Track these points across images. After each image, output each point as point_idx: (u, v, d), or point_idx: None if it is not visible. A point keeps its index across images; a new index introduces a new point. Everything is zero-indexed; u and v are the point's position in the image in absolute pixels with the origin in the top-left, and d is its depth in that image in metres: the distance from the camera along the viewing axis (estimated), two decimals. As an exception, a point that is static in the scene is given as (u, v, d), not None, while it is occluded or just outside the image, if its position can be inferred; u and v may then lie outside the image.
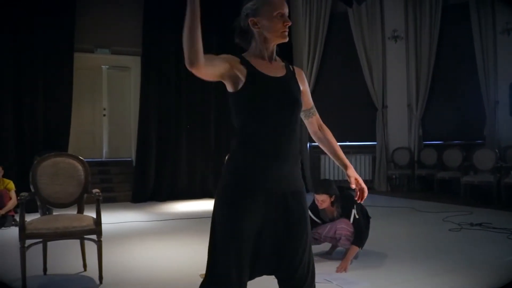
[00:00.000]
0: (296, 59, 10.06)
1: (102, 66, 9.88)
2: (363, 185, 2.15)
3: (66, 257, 4.51)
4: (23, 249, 3.58)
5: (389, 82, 10.09)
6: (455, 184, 8.65)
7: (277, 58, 2.08)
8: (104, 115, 9.92)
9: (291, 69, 2.10)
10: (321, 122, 2.27)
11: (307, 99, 2.19)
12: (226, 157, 2.07)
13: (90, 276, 3.97)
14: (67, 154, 4.30)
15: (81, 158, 4.17)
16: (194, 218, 6.94)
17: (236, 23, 2.06)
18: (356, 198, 2.14)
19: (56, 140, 8.30)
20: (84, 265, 4.14)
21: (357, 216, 4.02)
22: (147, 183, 8.80)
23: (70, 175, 4.06)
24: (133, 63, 9.64)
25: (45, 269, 4.07)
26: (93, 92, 9.82)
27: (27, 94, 8.16)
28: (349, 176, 2.15)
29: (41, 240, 3.81)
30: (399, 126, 10.02)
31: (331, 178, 9.98)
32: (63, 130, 8.42)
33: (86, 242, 3.96)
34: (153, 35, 8.94)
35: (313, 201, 4.19)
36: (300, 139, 9.99)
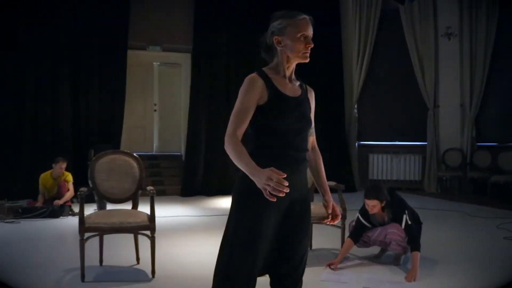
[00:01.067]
0: (346, 57, 9.97)
1: (153, 62, 10.12)
2: (338, 212, 2.29)
3: (120, 250, 4.69)
4: (82, 242, 3.76)
5: (441, 81, 9.82)
6: (510, 189, 8.31)
7: (294, 77, 2.19)
8: (155, 110, 10.18)
9: (305, 88, 2.22)
10: (315, 144, 2.38)
11: (311, 120, 2.27)
12: None
13: (143, 269, 4.11)
14: (123, 151, 4.46)
15: (136, 155, 4.32)
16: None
17: (263, 39, 2.16)
18: (325, 221, 2.26)
19: (110, 134, 8.62)
20: (137, 259, 4.29)
21: (409, 222, 3.96)
22: (196, 177, 8.97)
23: (126, 172, 4.22)
24: (184, 60, 9.83)
25: (101, 261, 4.25)
26: (144, 88, 10.08)
27: (83, 90, 8.52)
28: (327, 201, 2.26)
29: (98, 233, 3.98)
30: (451, 126, 9.75)
31: (379, 177, 9.86)
32: (116, 124, 8.72)
33: (139, 236, 4.11)
34: (203, 32, 9.09)
35: (363, 205, 4.17)
36: (348, 138, 9.91)
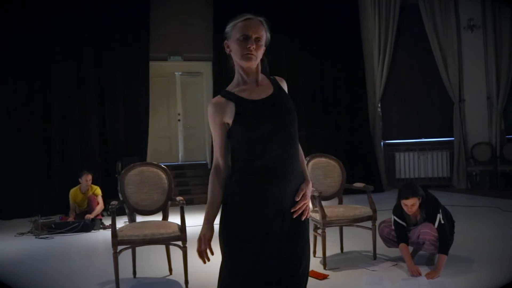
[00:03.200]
0: (367, 56, 9.89)
1: (175, 72, 10.22)
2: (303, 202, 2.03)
3: (153, 261, 4.74)
4: (116, 255, 3.82)
5: (465, 74, 9.66)
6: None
7: (263, 76, 2.05)
8: (179, 120, 10.26)
9: (277, 83, 2.07)
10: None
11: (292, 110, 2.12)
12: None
13: (176, 280, 4.15)
14: (151, 163, 4.51)
15: (164, 167, 4.37)
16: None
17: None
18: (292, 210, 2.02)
19: (136, 145, 8.73)
20: (170, 269, 4.33)
21: (442, 221, 3.90)
22: (222, 185, 8.99)
23: (155, 183, 4.27)
24: (205, 69, 9.92)
25: (134, 272, 4.31)
26: (167, 98, 10.19)
27: (108, 103, 8.67)
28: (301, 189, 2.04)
29: (130, 246, 4.03)
30: (478, 120, 9.57)
31: (407, 176, 9.74)
32: (142, 136, 8.84)
33: (171, 246, 4.14)
34: (223, 40, 9.14)
35: (396, 204, 4.10)
36: (373, 138, 9.81)
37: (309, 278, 4.02)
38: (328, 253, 4.39)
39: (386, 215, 4.55)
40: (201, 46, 9.46)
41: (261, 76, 2.05)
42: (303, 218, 2.03)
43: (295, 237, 2.01)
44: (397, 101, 10.01)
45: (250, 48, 1.93)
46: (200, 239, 2.04)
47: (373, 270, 4.15)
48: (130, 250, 4.21)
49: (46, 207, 7.66)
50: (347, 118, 9.71)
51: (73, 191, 7.01)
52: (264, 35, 1.98)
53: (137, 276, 4.31)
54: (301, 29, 9.44)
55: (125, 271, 4.21)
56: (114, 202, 4.00)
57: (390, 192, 8.97)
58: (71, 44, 8.35)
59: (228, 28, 2.00)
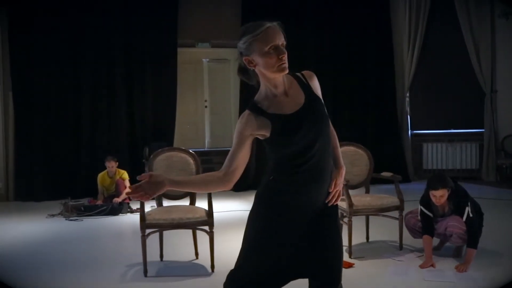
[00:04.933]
0: (396, 45, 9.72)
1: (203, 59, 10.26)
2: (337, 192, 2.06)
3: (179, 245, 4.81)
4: (144, 238, 3.89)
5: (498, 64, 9.40)
6: None
7: (290, 78, 1.98)
8: (206, 106, 10.32)
9: (305, 82, 2.00)
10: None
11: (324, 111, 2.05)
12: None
13: (202, 264, 4.21)
14: (179, 148, 4.57)
15: (192, 152, 4.42)
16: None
17: (239, 61, 1.98)
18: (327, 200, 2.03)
19: (163, 131, 8.82)
20: (196, 253, 4.40)
21: (471, 215, 3.83)
22: (247, 171, 8.94)
23: (183, 168, 4.31)
24: (232, 55, 9.88)
25: (161, 256, 4.39)
26: (195, 85, 10.24)
27: (137, 89, 8.76)
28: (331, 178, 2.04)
29: (158, 229, 4.10)
30: (510, 111, 9.32)
31: (434, 167, 9.58)
32: (169, 122, 8.91)
33: (197, 231, 4.20)
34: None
35: (424, 195, 4.05)
36: (400, 128, 9.69)
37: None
38: (353, 242, 4.38)
39: (412, 206, 4.51)
40: (229, 33, 9.38)
41: (287, 81, 1.96)
42: (334, 203, 2.04)
43: (325, 233, 2.02)
44: (426, 91, 9.83)
45: (283, 58, 1.86)
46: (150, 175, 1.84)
47: (399, 260, 4.13)
48: (157, 234, 4.28)
49: (75, 190, 7.83)
50: (374, 108, 9.59)
51: (101, 175, 7.15)
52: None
53: (164, 259, 4.38)
54: (330, 17, 9.33)
55: (152, 254, 4.29)
56: (142, 186, 4.06)
57: (417, 182, 8.87)
58: (101, 31, 8.45)
59: (245, 44, 1.89)
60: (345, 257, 4.19)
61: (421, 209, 4.08)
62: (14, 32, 8.16)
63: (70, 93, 8.43)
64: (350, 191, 4.45)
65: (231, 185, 1.98)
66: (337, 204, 2.08)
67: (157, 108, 8.88)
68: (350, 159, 4.70)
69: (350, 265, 4.01)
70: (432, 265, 3.91)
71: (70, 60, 8.40)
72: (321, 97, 2.04)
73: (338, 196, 2.05)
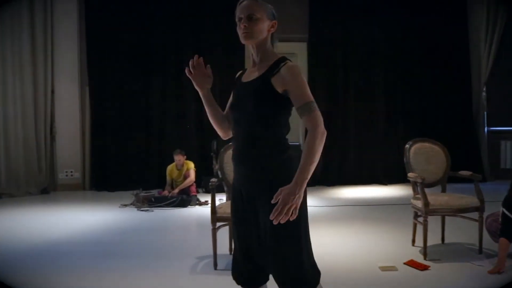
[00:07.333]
0: (472, 35, 9.23)
1: (270, 54, 10.22)
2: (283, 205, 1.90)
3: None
4: (214, 231, 3.92)
5: None
6: None
7: (271, 57, 2.12)
8: (273, 101, 10.29)
9: (276, 66, 2.06)
10: (310, 127, 2.01)
11: (293, 99, 2.04)
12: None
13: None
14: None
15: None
16: (363, 204, 6.88)
17: None
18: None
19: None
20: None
21: None
22: (315, 167, 8.93)
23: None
24: (300, 50, 9.79)
25: (230, 249, 4.39)
26: (262, 79, 10.24)
27: (205, 84, 8.89)
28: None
29: (228, 223, 4.11)
30: None
31: (513, 166, 9.04)
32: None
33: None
34: (319, 20, 9.01)
35: (508, 196, 3.78)
36: (476, 124, 9.20)
37: (409, 268, 3.89)
38: (428, 243, 4.19)
39: (488, 207, 4.24)
40: (296, 27, 9.34)
41: (264, 56, 2.14)
42: (276, 221, 1.88)
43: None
44: (505, 86, 9.27)
45: (241, 27, 2.10)
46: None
47: (479, 265, 3.90)
48: (227, 227, 4.30)
49: (146, 181, 8.07)
50: (449, 102, 9.16)
51: (170, 167, 7.32)
52: (259, 10, 2.09)
53: (232, 252, 4.39)
54: (402, 11, 9.00)
55: (222, 247, 4.31)
56: (213, 180, 4.09)
57: (494, 183, 8.41)
58: (171, 29, 8.67)
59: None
60: (420, 259, 4.04)
61: (503, 211, 3.83)
62: (91, 30, 8.56)
63: (140, 86, 8.72)
64: (425, 190, 4.25)
65: (224, 137, 2.41)
66: (277, 203, 1.88)
67: (225, 102, 8.95)
68: (425, 156, 4.51)
69: (425, 268, 3.83)
70: (498, 271, 3.65)
71: (141, 57, 8.69)
72: (283, 88, 2.03)
73: (282, 213, 1.85)
